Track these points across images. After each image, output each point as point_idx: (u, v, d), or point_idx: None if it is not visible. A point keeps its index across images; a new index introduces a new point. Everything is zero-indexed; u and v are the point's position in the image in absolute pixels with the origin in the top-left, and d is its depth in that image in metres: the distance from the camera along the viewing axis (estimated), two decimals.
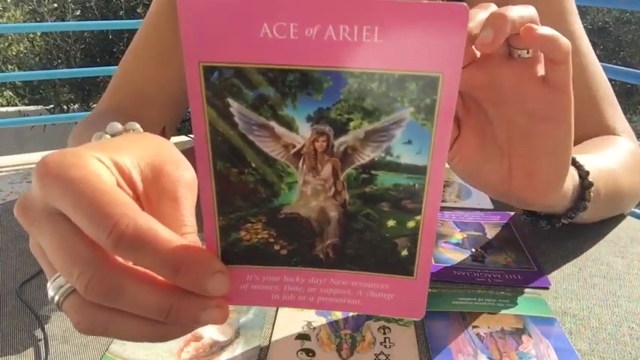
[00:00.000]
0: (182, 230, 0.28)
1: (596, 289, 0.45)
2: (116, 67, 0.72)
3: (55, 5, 3.53)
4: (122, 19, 3.44)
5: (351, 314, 0.41)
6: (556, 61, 0.36)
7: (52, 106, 3.64)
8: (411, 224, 0.27)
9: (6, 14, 4.06)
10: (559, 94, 0.37)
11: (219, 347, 0.38)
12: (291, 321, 0.40)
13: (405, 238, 0.27)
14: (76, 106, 3.73)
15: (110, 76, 0.73)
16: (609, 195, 0.50)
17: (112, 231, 0.24)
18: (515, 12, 0.35)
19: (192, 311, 0.26)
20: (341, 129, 0.25)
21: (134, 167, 0.28)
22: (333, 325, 0.40)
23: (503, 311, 0.42)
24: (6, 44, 3.90)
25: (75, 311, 0.26)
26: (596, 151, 0.54)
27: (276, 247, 0.28)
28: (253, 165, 0.26)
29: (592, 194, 0.46)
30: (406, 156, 0.25)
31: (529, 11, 0.36)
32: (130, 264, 0.26)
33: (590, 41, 0.64)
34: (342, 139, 0.25)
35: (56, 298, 0.26)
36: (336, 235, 0.27)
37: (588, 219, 0.51)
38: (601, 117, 0.62)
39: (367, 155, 0.25)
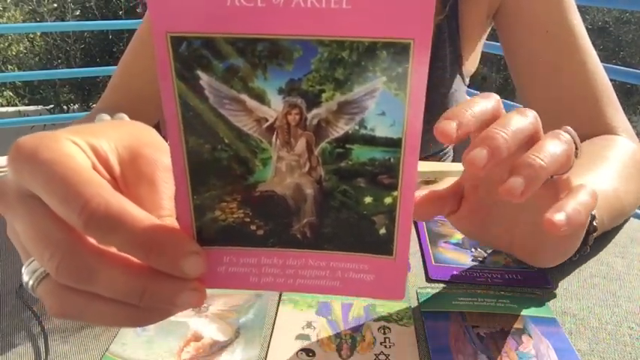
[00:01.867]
0: (159, 213, 0.27)
1: (596, 289, 0.45)
2: (116, 67, 0.72)
3: (55, 5, 3.54)
4: (122, 19, 3.45)
5: (350, 314, 0.41)
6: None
7: (52, 106, 3.65)
8: (388, 200, 0.26)
9: (6, 14, 4.06)
10: None
11: (219, 347, 0.38)
12: (291, 321, 0.40)
13: (383, 215, 0.26)
14: (76, 106, 3.74)
15: (110, 76, 0.73)
16: (614, 217, 0.49)
17: (82, 210, 0.23)
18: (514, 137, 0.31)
19: (167, 294, 0.25)
20: (313, 101, 0.24)
21: (111, 150, 0.28)
22: (333, 325, 0.40)
23: (504, 311, 0.42)
24: (6, 44, 3.90)
25: (49, 295, 0.26)
26: (596, 159, 0.53)
27: (253, 227, 0.27)
28: (226, 141, 0.25)
29: (594, 237, 0.45)
30: (380, 128, 0.24)
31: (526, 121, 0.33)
32: (114, 249, 0.25)
33: (590, 41, 0.64)
34: (314, 111, 0.24)
35: (30, 282, 0.26)
36: (312, 213, 0.27)
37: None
38: (601, 116, 0.62)
39: (341, 128, 0.25)
